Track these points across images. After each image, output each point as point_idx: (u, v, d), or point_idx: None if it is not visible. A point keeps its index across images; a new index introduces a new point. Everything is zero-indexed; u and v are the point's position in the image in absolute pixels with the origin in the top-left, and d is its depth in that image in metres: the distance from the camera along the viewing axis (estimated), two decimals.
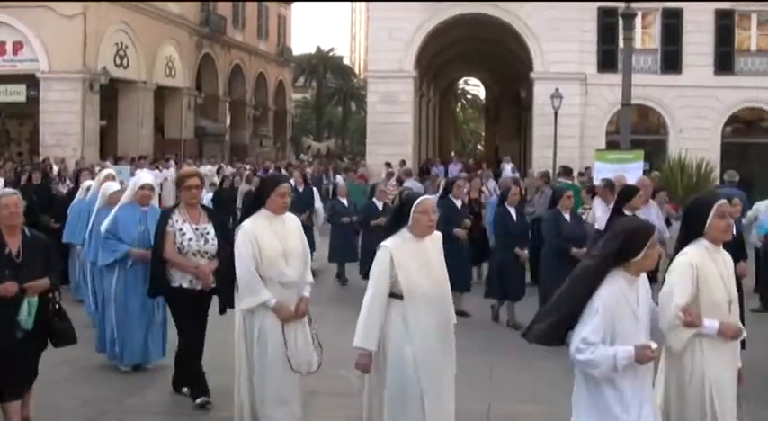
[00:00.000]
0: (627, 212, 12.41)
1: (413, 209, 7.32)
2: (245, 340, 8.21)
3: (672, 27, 39.99)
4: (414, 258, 7.30)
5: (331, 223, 20.37)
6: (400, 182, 24.11)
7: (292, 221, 8.53)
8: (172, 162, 38.76)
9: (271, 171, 33.06)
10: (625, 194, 12.99)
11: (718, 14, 39.76)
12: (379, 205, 18.91)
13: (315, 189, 21.89)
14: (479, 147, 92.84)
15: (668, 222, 17.05)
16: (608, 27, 38.62)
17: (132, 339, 11.05)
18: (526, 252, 15.16)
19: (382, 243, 7.38)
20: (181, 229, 9.48)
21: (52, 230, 16.66)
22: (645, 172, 22.91)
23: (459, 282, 13.78)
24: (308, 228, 18.59)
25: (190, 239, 9.45)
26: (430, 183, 26.92)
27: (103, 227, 11.02)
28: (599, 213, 14.81)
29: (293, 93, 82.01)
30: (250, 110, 64.29)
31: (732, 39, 40.25)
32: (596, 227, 14.25)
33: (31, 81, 41.19)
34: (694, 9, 39.21)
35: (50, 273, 8.33)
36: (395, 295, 7.22)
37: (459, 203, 16.06)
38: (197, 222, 9.60)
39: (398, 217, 7.51)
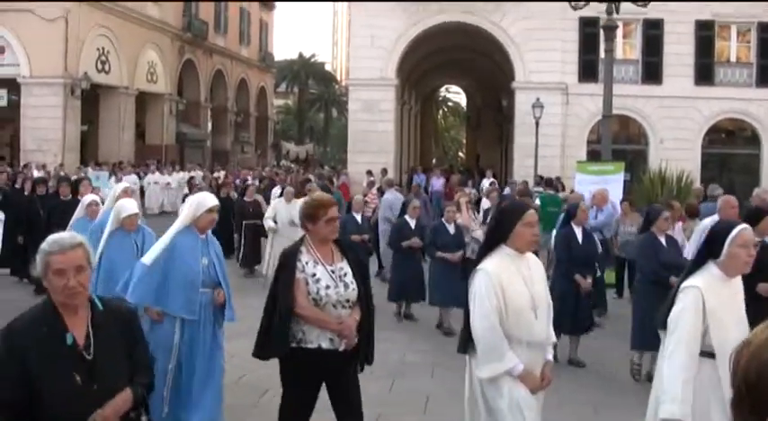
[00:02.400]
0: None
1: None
2: (488, 416, 6.47)
3: (653, 38, 40.14)
4: (723, 304, 6.14)
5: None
6: (381, 192, 23.94)
7: (536, 262, 6.77)
8: (153, 167, 38.70)
9: (250, 180, 32.76)
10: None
11: (699, 25, 39.95)
12: (412, 223, 16.78)
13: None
14: (460, 154, 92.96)
15: None
16: (589, 37, 38.76)
17: (201, 405, 8.94)
18: (589, 281, 13.29)
19: (691, 283, 6.14)
20: (314, 274, 7.19)
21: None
22: (626, 183, 23.01)
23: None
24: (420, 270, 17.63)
25: (327, 287, 7.17)
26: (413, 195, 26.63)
27: (149, 258, 8.71)
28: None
29: (275, 99, 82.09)
30: (232, 116, 64.30)
31: (712, 49, 40.41)
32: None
33: (11, 85, 41.11)
34: (675, 20, 39.39)
35: (137, 373, 5.12)
36: (704, 352, 6.05)
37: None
38: (331, 262, 7.33)
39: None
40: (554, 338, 6.82)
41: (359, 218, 18.75)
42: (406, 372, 12.17)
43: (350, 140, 42.11)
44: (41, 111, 40.35)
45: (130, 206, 10.76)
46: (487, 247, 6.54)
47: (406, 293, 16.50)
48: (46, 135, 40.38)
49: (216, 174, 39.08)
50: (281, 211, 20.17)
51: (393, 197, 22.32)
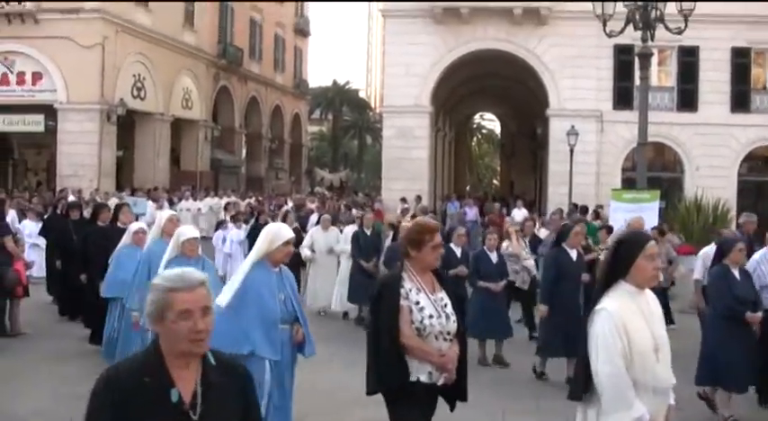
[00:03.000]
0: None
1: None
2: None
3: (688, 65, 39.97)
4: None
5: (388, 269, 16.99)
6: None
7: (653, 298, 6.05)
8: (188, 193, 38.78)
9: (289, 206, 32.58)
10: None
11: (735, 52, 39.74)
12: (458, 251, 15.96)
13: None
14: (495, 182, 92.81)
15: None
16: (624, 64, 38.66)
17: None
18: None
19: None
20: (418, 303, 6.74)
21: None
22: (661, 210, 22.87)
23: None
24: (371, 277, 17.79)
25: (431, 316, 6.73)
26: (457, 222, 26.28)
27: (223, 299, 7.91)
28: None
29: (309, 125, 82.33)
30: (266, 142, 64.51)
31: (748, 76, 40.19)
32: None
33: (49, 111, 41.41)
34: (710, 47, 39.18)
35: None
36: None
37: (574, 254, 13.97)
38: (432, 290, 6.89)
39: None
40: (673, 379, 5.97)
41: (458, 251, 16.82)
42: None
43: (384, 167, 42.09)
44: (78, 136, 40.60)
45: (190, 230, 10.56)
46: (605, 284, 5.85)
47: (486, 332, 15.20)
48: (82, 160, 40.63)
49: (246, 201, 39.00)
50: (319, 240, 19.87)
51: None
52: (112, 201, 30.12)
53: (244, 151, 62.06)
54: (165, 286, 4.01)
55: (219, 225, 27.76)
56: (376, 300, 6.91)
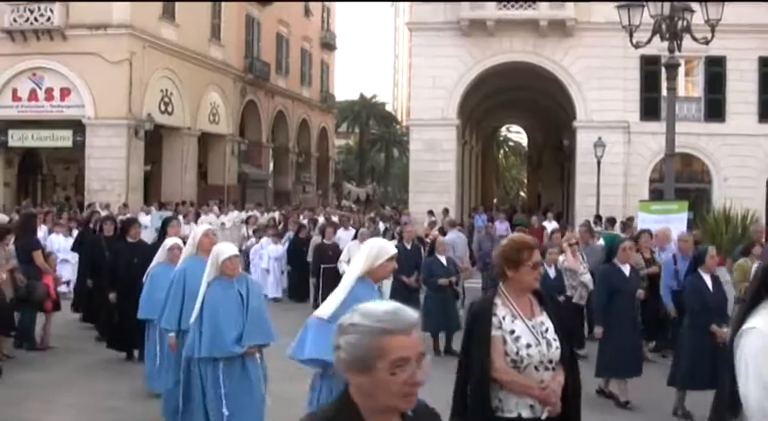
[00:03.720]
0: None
1: None
2: None
3: (715, 75, 39.80)
4: None
5: (426, 285, 17.55)
6: (443, 232, 23.68)
7: None
8: (215, 207, 38.80)
9: (321, 219, 32.36)
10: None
11: (762, 62, 39.51)
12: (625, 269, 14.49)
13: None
14: (522, 194, 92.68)
15: None
16: (651, 75, 38.57)
17: None
18: (725, 330, 11.35)
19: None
20: (512, 331, 6.07)
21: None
22: (689, 222, 22.72)
23: None
24: (414, 292, 17.69)
25: (528, 345, 6.06)
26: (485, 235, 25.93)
27: (326, 311, 7.39)
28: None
29: (336, 139, 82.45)
30: (293, 156, 64.69)
31: None
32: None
33: (77, 127, 41.68)
34: (737, 57, 38.98)
35: None
36: None
37: (626, 269, 13.40)
38: (530, 316, 6.20)
39: None
40: None
41: (443, 260, 17.46)
42: None
43: (411, 180, 42.07)
44: (106, 151, 40.82)
45: (229, 248, 9.66)
46: (753, 303, 5.21)
47: None
48: (110, 175, 40.83)
49: (271, 214, 38.90)
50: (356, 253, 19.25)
51: (455, 237, 22.19)
52: (201, 228, 30.24)
53: (271, 165, 62.20)
54: (378, 328, 3.17)
55: (257, 238, 27.54)
56: (467, 329, 6.36)
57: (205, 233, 10.94)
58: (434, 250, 17.72)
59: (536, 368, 6.03)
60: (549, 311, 6.25)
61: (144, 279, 12.78)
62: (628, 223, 26.84)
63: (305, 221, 30.58)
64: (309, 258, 22.78)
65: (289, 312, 20.13)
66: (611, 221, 27.03)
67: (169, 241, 12.84)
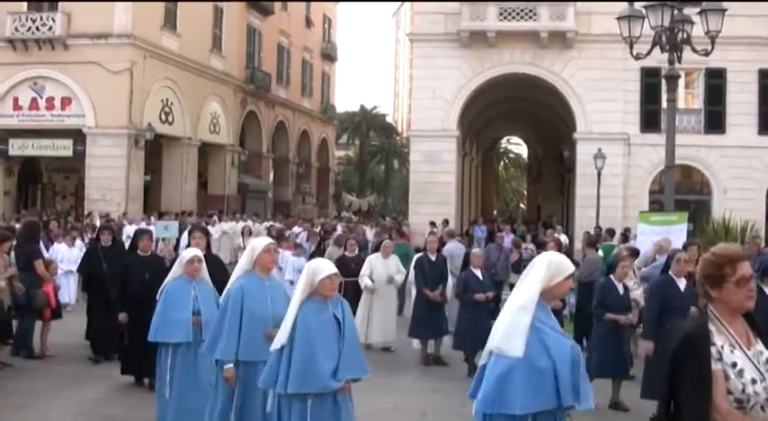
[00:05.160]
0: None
1: None
2: None
3: (715, 87, 39.87)
4: None
5: (460, 300, 16.35)
6: (443, 243, 23.59)
7: None
8: (215, 218, 38.76)
9: (339, 230, 31.67)
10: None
11: (762, 74, 39.59)
12: (619, 287, 14.21)
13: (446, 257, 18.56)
14: (521, 205, 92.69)
15: None
16: (651, 87, 38.67)
17: None
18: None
19: None
20: (734, 363, 4.95)
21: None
22: (689, 233, 22.69)
23: None
24: (440, 307, 16.91)
25: (753, 381, 4.95)
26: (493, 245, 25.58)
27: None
28: None
29: (336, 150, 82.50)
30: (293, 166, 64.78)
31: None
32: None
33: (77, 136, 41.74)
34: (737, 69, 39.07)
35: None
36: None
37: (682, 284, 12.37)
38: (747, 344, 5.08)
39: None
40: None
41: (479, 273, 16.13)
42: None
43: (411, 191, 42.12)
44: (106, 161, 40.85)
45: (327, 266, 8.08)
46: None
47: None
48: (110, 184, 40.85)
49: (264, 224, 38.62)
50: (378, 268, 18.03)
51: (455, 247, 22.16)
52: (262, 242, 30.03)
53: (271, 175, 62.26)
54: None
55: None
56: (674, 362, 5.08)
57: (266, 248, 9.37)
58: (468, 263, 16.49)
59: (762, 408, 4.96)
60: (764, 338, 5.21)
61: (158, 296, 11.09)
62: (626, 234, 26.81)
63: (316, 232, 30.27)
64: None
65: None
66: (611, 233, 26.99)
67: (188, 253, 11.24)
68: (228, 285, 9.38)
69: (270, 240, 9.82)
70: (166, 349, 10.75)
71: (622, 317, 13.29)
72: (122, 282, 14.09)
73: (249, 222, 37.64)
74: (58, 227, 28.42)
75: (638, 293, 15.34)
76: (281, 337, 7.86)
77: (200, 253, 11.37)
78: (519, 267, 20.10)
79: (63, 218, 37.21)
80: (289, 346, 7.82)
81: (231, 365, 8.99)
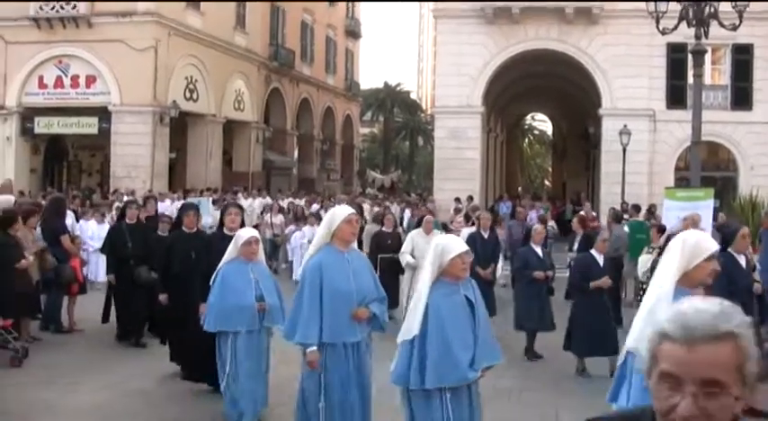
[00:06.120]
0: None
1: None
2: None
3: (742, 63, 39.59)
4: None
5: (518, 277, 15.60)
6: (468, 218, 23.51)
7: None
8: (240, 195, 38.79)
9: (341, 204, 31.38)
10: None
11: None
12: (600, 259, 13.98)
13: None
14: (546, 182, 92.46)
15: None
16: (677, 63, 38.34)
17: None
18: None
19: None
20: None
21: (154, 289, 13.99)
22: (715, 209, 22.60)
23: None
24: (490, 286, 16.12)
25: None
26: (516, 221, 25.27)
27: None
28: None
29: (360, 127, 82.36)
30: (318, 143, 64.70)
31: None
32: None
33: (103, 114, 41.80)
34: (765, 45, 38.76)
35: None
36: None
37: (742, 260, 11.60)
38: None
39: None
40: None
41: (539, 250, 15.41)
42: None
43: (436, 168, 42.08)
44: (131, 138, 40.96)
45: (459, 244, 7.37)
46: None
47: (592, 348, 13.41)
48: (135, 162, 40.96)
49: (286, 201, 37.75)
50: (420, 245, 16.96)
51: None
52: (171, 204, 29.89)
53: (295, 152, 62.22)
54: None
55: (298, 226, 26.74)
56: None
57: (348, 218, 8.40)
58: (529, 239, 15.66)
59: None
60: None
61: (212, 281, 10.22)
62: (651, 210, 26.74)
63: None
64: (366, 249, 19.05)
65: None
66: (637, 208, 26.91)
67: (245, 232, 10.41)
68: (304, 262, 8.70)
69: (351, 210, 8.78)
70: (226, 338, 10.00)
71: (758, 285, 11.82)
72: (165, 261, 13.18)
73: (268, 199, 37.29)
74: (81, 205, 28.44)
75: None
76: (411, 327, 7.07)
77: (257, 233, 10.75)
78: (546, 244, 19.70)
79: (87, 196, 37.27)
80: (421, 337, 7.05)
81: (314, 348, 8.17)
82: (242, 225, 11.43)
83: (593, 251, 13.97)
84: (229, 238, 10.55)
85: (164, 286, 13.21)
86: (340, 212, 8.52)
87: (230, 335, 9.92)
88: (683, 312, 2.38)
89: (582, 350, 13.53)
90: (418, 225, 18.98)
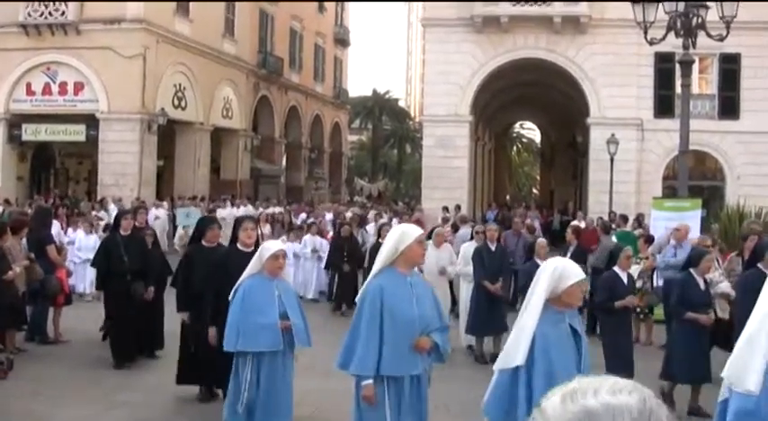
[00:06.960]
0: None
1: None
2: None
3: (729, 72, 39.66)
4: None
5: (602, 311, 13.48)
6: (456, 228, 23.50)
7: None
8: (228, 202, 38.70)
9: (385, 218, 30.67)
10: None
11: None
12: (623, 276, 13.07)
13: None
14: (534, 190, 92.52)
15: None
16: (664, 72, 38.41)
17: None
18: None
19: None
20: None
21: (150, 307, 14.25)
22: (702, 220, 22.63)
23: None
24: (499, 301, 15.59)
25: None
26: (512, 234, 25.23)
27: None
28: None
29: (349, 135, 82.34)
30: (306, 151, 64.71)
31: None
32: None
33: (90, 121, 41.68)
34: (752, 55, 38.85)
35: None
36: None
37: (701, 281, 12.12)
38: None
39: None
40: None
41: (624, 277, 13.24)
42: None
43: (424, 176, 42.08)
44: (119, 146, 40.86)
45: (576, 270, 6.56)
46: None
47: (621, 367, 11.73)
48: (123, 170, 40.85)
49: (260, 211, 37.04)
50: (430, 257, 14.74)
51: (467, 233, 22.07)
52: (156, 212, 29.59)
53: (284, 160, 62.22)
54: None
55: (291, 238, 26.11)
56: None
57: (420, 238, 7.72)
58: (612, 263, 13.61)
59: None
60: None
61: (231, 297, 9.48)
62: (639, 220, 26.76)
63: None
64: (367, 264, 18.89)
65: (340, 318, 19.40)
66: (624, 219, 26.93)
67: (272, 245, 9.72)
68: (365, 284, 7.81)
69: (420, 229, 8.01)
70: (245, 359, 9.23)
71: (704, 316, 11.93)
72: (184, 277, 12.20)
73: (255, 208, 36.97)
74: (68, 215, 28.03)
75: (725, 286, 13.94)
76: (516, 356, 6.26)
77: (284, 246, 10.28)
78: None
79: (74, 204, 37.15)
80: (527, 368, 6.25)
81: (370, 381, 7.39)
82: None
83: (616, 268, 13.09)
84: (246, 255, 10.01)
85: (183, 305, 12.16)
86: (411, 231, 7.75)
87: (249, 356, 9.21)
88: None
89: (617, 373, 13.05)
90: (471, 238, 18.21)
